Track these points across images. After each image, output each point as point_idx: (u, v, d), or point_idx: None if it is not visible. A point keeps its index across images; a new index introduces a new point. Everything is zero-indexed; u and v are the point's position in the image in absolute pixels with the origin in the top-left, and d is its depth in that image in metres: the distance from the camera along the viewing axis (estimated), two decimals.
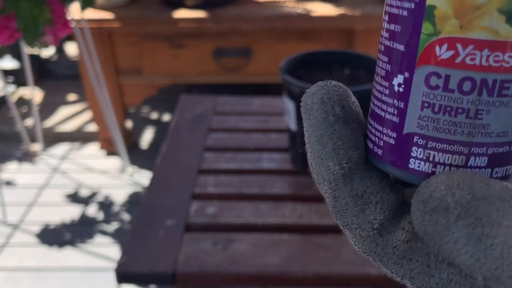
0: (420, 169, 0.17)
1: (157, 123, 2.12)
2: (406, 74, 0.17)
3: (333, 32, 1.63)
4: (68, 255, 1.41)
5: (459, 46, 0.15)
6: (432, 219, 0.16)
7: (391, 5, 0.17)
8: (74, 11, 1.46)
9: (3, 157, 1.85)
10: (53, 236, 1.48)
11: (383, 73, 0.18)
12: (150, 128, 2.07)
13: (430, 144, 0.17)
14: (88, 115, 2.07)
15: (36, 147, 1.90)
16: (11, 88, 2.28)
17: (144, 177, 1.74)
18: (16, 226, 1.51)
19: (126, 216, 1.56)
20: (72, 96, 2.25)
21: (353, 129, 0.18)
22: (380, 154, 0.18)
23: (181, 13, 1.59)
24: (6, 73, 2.23)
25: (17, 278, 1.34)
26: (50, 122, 2.06)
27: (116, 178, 1.74)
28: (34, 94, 1.96)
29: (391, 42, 0.17)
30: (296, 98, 0.80)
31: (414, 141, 0.17)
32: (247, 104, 1.15)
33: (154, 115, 2.17)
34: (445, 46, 0.16)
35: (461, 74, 0.16)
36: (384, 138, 0.18)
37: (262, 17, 1.58)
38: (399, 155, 0.18)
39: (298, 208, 0.80)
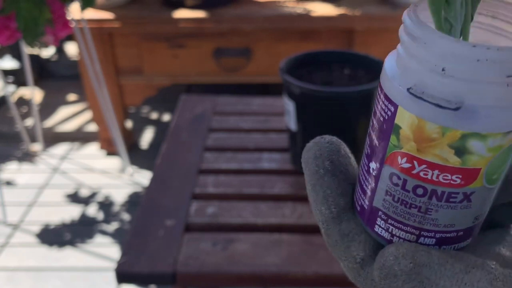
0: (382, 235, 0.21)
1: (157, 123, 2.12)
2: (378, 165, 0.20)
3: (333, 32, 1.63)
4: (68, 255, 1.41)
5: (415, 162, 0.18)
6: (385, 283, 0.20)
7: (376, 106, 0.20)
8: (74, 11, 1.46)
9: (3, 157, 1.85)
10: (53, 236, 1.48)
11: (367, 151, 0.21)
12: (150, 128, 2.07)
13: (390, 221, 0.20)
14: (88, 115, 2.07)
15: (36, 147, 1.90)
16: (11, 88, 2.28)
17: (144, 177, 1.74)
18: (16, 226, 1.51)
19: (126, 216, 1.56)
20: (72, 96, 2.25)
21: (340, 180, 0.22)
22: (358, 210, 0.22)
23: (181, 13, 1.59)
24: (6, 73, 2.23)
25: (17, 278, 1.34)
26: (50, 122, 2.06)
27: (116, 178, 1.74)
28: (34, 94, 1.96)
29: (372, 133, 0.20)
30: (296, 98, 0.80)
31: (379, 214, 0.21)
32: (247, 104, 1.15)
33: (154, 115, 2.17)
34: (405, 159, 0.19)
35: (416, 182, 0.19)
36: (361, 200, 0.22)
37: (262, 17, 1.58)
38: (369, 218, 0.21)
39: (298, 208, 0.80)
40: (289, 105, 0.82)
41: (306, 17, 1.58)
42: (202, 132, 1.03)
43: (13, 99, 2.13)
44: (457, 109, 0.16)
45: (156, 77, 1.71)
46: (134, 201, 1.62)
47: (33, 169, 1.79)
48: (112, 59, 1.66)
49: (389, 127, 0.19)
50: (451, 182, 0.18)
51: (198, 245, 0.73)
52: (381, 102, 0.19)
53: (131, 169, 1.77)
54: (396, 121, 0.18)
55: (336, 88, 0.80)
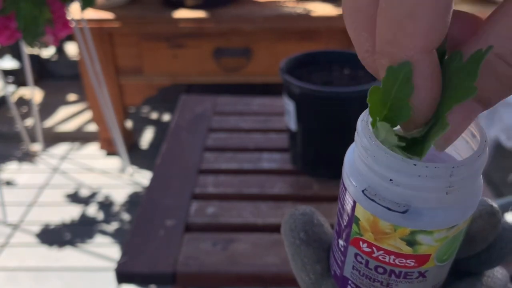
0: None
1: (157, 123, 2.12)
2: (344, 243, 0.22)
3: (333, 32, 1.63)
4: (68, 255, 1.41)
5: (374, 248, 0.21)
6: None
7: (341, 191, 0.22)
8: (74, 11, 1.46)
9: (3, 157, 1.85)
10: (53, 236, 1.48)
11: (336, 227, 0.23)
12: (150, 128, 2.07)
13: None
14: (88, 115, 2.07)
15: (36, 147, 1.90)
16: (11, 88, 2.28)
17: (144, 177, 1.74)
18: (16, 226, 1.51)
19: (126, 216, 1.56)
20: (72, 96, 2.25)
21: (314, 248, 0.25)
22: (333, 274, 0.24)
23: (181, 13, 1.59)
24: (6, 73, 2.23)
25: (17, 278, 1.34)
26: (50, 122, 2.06)
27: (116, 178, 1.74)
28: (34, 94, 1.96)
29: (339, 215, 0.23)
30: (296, 98, 0.80)
31: (349, 283, 0.23)
32: (247, 104, 1.15)
33: (154, 115, 2.17)
34: (365, 244, 0.21)
35: (376, 263, 0.21)
36: (334, 267, 0.24)
37: (262, 17, 1.58)
38: (341, 284, 0.24)
39: None
40: (289, 105, 0.82)
41: (306, 17, 1.58)
42: (202, 132, 1.03)
43: (13, 99, 2.13)
44: (405, 211, 0.19)
45: (156, 77, 1.71)
46: (134, 201, 1.62)
47: (33, 169, 1.79)
48: (112, 59, 1.66)
49: (351, 217, 0.21)
50: (406, 264, 0.20)
51: (198, 245, 0.73)
52: (343, 192, 0.22)
53: (131, 169, 1.78)
54: (356, 213, 0.21)
55: (336, 88, 0.80)
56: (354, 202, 0.20)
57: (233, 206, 0.81)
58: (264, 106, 1.13)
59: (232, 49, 1.65)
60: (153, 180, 0.87)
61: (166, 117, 2.14)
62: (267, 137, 1.00)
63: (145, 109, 2.19)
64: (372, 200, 0.19)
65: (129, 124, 1.95)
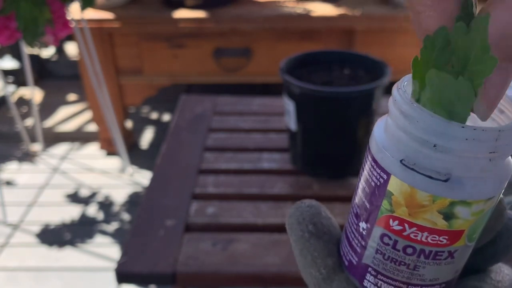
0: None
1: (157, 123, 2.12)
2: (368, 225, 0.22)
3: (333, 32, 1.63)
4: (68, 255, 1.41)
5: (406, 225, 0.20)
6: None
7: (366, 170, 0.22)
8: (74, 11, 1.46)
9: (3, 157, 1.85)
10: (53, 236, 1.48)
11: (355, 211, 0.23)
12: (150, 128, 2.07)
13: (379, 276, 0.22)
14: (88, 115, 2.07)
15: (36, 147, 1.90)
16: (11, 88, 2.28)
17: (144, 177, 1.74)
18: (16, 226, 1.51)
19: (126, 216, 1.56)
20: (72, 96, 2.25)
21: (325, 241, 0.23)
22: (347, 265, 0.23)
23: (181, 13, 1.59)
24: (6, 73, 2.23)
25: (17, 278, 1.34)
26: (50, 122, 2.06)
27: (116, 178, 1.74)
28: (34, 94, 1.96)
29: (363, 195, 0.22)
30: (296, 98, 0.80)
31: (369, 270, 0.22)
32: (247, 104, 1.15)
33: (154, 115, 2.17)
34: (396, 222, 0.20)
35: (406, 242, 0.21)
36: (349, 256, 0.23)
37: (262, 17, 1.58)
38: (358, 273, 0.23)
39: None
40: (289, 105, 0.82)
41: (306, 17, 1.58)
42: (202, 132, 1.03)
43: (13, 99, 2.13)
44: (446, 180, 0.19)
45: (156, 77, 1.71)
46: (134, 201, 1.62)
47: (33, 169, 1.79)
48: (112, 59, 1.66)
49: (382, 193, 0.20)
50: (438, 242, 0.20)
51: (198, 245, 0.73)
52: (371, 168, 0.21)
53: (131, 169, 1.78)
54: (389, 187, 0.20)
55: (336, 88, 0.80)
56: (388, 175, 0.20)
57: (233, 206, 0.81)
58: (264, 106, 1.13)
59: (232, 49, 1.65)
60: (153, 180, 0.87)
61: (166, 117, 2.14)
62: (267, 137, 1.00)
63: (145, 109, 2.19)
64: (412, 169, 0.19)
65: (129, 124, 1.95)
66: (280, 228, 0.76)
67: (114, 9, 1.61)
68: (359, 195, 0.22)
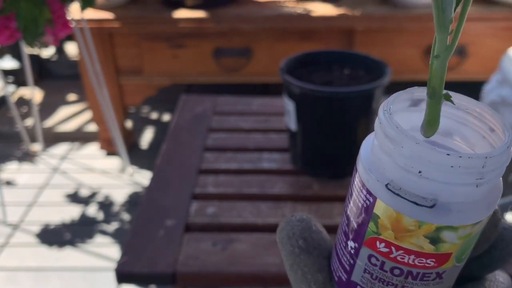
0: None
1: (157, 123, 2.12)
2: (356, 245, 0.21)
3: (333, 32, 1.63)
4: (68, 255, 1.41)
5: (393, 248, 0.20)
6: None
7: (354, 189, 0.21)
8: (74, 11, 1.46)
9: (3, 157, 1.85)
10: (53, 236, 1.48)
11: (344, 228, 0.22)
12: (150, 128, 2.07)
13: None
14: (88, 115, 2.07)
15: (36, 147, 1.90)
16: (11, 88, 2.28)
17: (144, 177, 1.74)
18: (16, 226, 1.51)
19: (126, 216, 1.56)
20: (72, 96, 2.25)
21: (315, 256, 0.23)
22: (337, 280, 0.23)
23: (181, 13, 1.59)
24: (6, 73, 2.23)
25: (17, 278, 1.34)
26: (50, 122, 2.06)
27: (116, 178, 1.74)
28: (34, 94, 1.96)
29: (351, 214, 0.21)
30: (296, 98, 0.80)
31: None
32: (247, 104, 1.15)
33: (154, 115, 2.17)
34: (383, 244, 0.20)
35: (393, 264, 0.20)
36: (339, 273, 0.23)
37: (262, 17, 1.58)
38: None
39: (298, 208, 0.80)
40: (289, 105, 0.82)
41: (306, 17, 1.58)
42: (202, 132, 1.03)
43: (13, 99, 2.13)
44: (432, 206, 0.18)
45: (156, 77, 1.71)
46: (134, 201, 1.62)
47: (33, 169, 1.79)
48: (112, 59, 1.66)
49: (368, 215, 0.20)
50: (426, 264, 0.20)
51: (198, 245, 0.73)
52: (358, 189, 0.21)
53: (131, 169, 1.78)
54: (375, 210, 0.20)
55: (336, 88, 0.80)
56: (374, 198, 0.19)
57: (233, 206, 0.81)
58: (264, 106, 1.13)
59: (232, 49, 1.65)
60: (153, 180, 0.87)
61: (166, 117, 2.14)
62: (267, 137, 1.00)
63: (145, 109, 2.19)
64: (397, 194, 0.19)
65: (129, 124, 1.95)
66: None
67: (114, 9, 1.61)
68: (347, 214, 0.22)
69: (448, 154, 0.17)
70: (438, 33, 0.19)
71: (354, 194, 0.21)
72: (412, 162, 0.18)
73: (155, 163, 0.93)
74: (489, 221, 0.21)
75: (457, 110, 0.21)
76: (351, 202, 0.21)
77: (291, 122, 0.84)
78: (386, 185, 0.19)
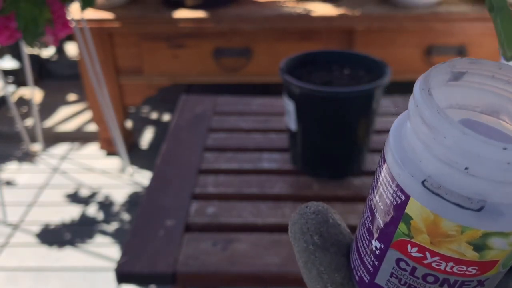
0: None
1: (157, 123, 2.12)
2: (382, 246, 0.18)
3: (333, 32, 1.63)
4: (68, 255, 1.41)
5: (427, 253, 0.17)
6: None
7: (381, 182, 0.18)
8: (74, 11, 1.45)
9: (3, 157, 1.85)
10: (53, 236, 1.48)
11: (367, 224, 0.19)
12: (150, 128, 2.07)
13: None
14: (88, 115, 2.07)
15: (36, 147, 1.90)
16: (11, 88, 2.28)
17: (144, 177, 1.74)
18: (16, 226, 1.51)
19: (126, 216, 1.56)
20: (72, 96, 2.25)
21: (332, 254, 0.20)
22: (357, 280, 0.20)
23: (181, 13, 1.59)
24: (6, 73, 2.23)
25: (17, 278, 1.34)
26: (50, 122, 2.06)
27: (116, 178, 1.74)
28: (34, 94, 1.96)
29: (376, 210, 0.18)
30: (296, 98, 0.80)
31: None
32: (247, 104, 1.15)
33: (154, 115, 2.17)
34: (415, 248, 0.17)
35: (427, 271, 0.17)
36: (361, 272, 0.20)
37: (262, 17, 1.58)
38: None
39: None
40: (289, 105, 0.82)
41: (306, 17, 1.58)
42: (202, 132, 1.03)
43: (13, 99, 2.13)
44: (480, 209, 0.15)
45: (156, 77, 1.71)
46: (134, 201, 1.62)
47: (33, 169, 1.79)
48: (112, 59, 1.66)
49: (399, 215, 0.17)
50: (466, 272, 0.17)
51: (198, 245, 0.73)
52: (386, 183, 0.17)
53: (131, 169, 1.77)
54: (407, 210, 0.16)
55: (336, 88, 0.80)
56: (407, 197, 0.16)
57: (233, 206, 0.81)
58: (264, 106, 1.13)
59: (232, 49, 1.65)
60: (153, 180, 0.87)
61: (166, 117, 2.14)
62: (267, 137, 1.00)
63: (145, 109, 2.19)
64: (436, 194, 0.15)
65: (129, 124, 1.95)
66: (280, 228, 0.76)
67: (114, 9, 1.61)
68: (372, 208, 0.19)
69: (505, 148, 0.14)
70: None
71: (381, 188, 0.18)
72: (457, 156, 0.15)
73: (155, 163, 0.93)
74: None
75: (508, 84, 0.18)
76: (377, 196, 0.18)
77: (291, 122, 0.84)
78: (423, 182, 0.16)
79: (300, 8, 1.62)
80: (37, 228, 1.51)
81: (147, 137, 2.01)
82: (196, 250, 0.72)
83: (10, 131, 1.99)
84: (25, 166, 1.81)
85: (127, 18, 1.59)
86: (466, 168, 0.15)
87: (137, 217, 0.79)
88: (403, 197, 0.16)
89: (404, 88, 1.59)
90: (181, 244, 0.73)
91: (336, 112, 0.80)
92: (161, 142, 1.69)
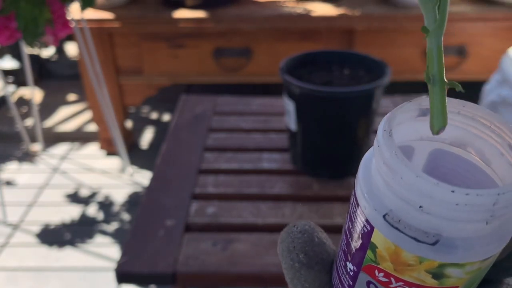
0: None
1: (157, 123, 2.12)
2: (355, 268, 0.19)
3: (333, 32, 1.63)
4: (68, 255, 1.41)
5: (392, 279, 0.18)
6: None
7: (352, 210, 0.19)
8: (74, 11, 1.45)
9: (3, 157, 1.85)
10: (53, 236, 1.48)
11: (343, 247, 0.21)
12: (150, 128, 2.07)
13: None
14: (88, 115, 2.07)
15: (36, 147, 1.90)
16: (11, 88, 2.28)
17: (144, 177, 1.74)
18: (16, 226, 1.51)
19: (126, 216, 1.56)
20: (72, 96, 2.25)
21: (316, 272, 0.22)
22: None
23: (181, 13, 1.59)
24: (6, 73, 2.23)
25: (17, 278, 1.34)
26: (50, 122, 2.06)
27: (116, 178, 1.74)
28: (34, 94, 1.96)
29: (349, 234, 0.20)
30: (296, 98, 0.80)
31: None
32: (247, 104, 1.15)
33: (154, 115, 2.17)
34: (382, 274, 0.18)
35: None
36: (339, 287, 0.21)
37: (262, 17, 1.58)
38: None
39: (298, 208, 0.80)
40: (289, 105, 0.82)
41: (306, 17, 1.58)
42: (202, 132, 1.03)
43: (13, 99, 2.13)
44: (435, 243, 0.16)
45: (156, 77, 1.71)
46: (134, 201, 1.62)
47: (33, 169, 1.79)
48: (112, 59, 1.66)
49: (366, 242, 0.18)
50: None
51: (198, 245, 0.73)
52: (356, 212, 0.19)
53: (131, 169, 1.77)
54: (373, 239, 0.18)
55: (336, 88, 0.80)
56: (372, 228, 0.18)
57: (233, 206, 0.81)
58: (264, 106, 1.13)
59: (232, 49, 1.65)
60: (153, 180, 0.87)
61: (166, 117, 2.14)
62: (267, 137, 1.00)
63: (145, 109, 2.19)
64: (396, 228, 0.17)
65: (129, 124, 1.95)
66: (280, 228, 0.76)
67: (114, 9, 1.61)
68: (346, 232, 0.20)
69: (453, 191, 0.15)
70: (422, 5, 0.17)
71: (352, 215, 0.19)
72: (412, 196, 0.16)
73: (155, 163, 0.93)
74: None
75: (473, 120, 0.19)
76: (349, 223, 0.20)
77: (291, 122, 0.84)
78: (384, 216, 0.17)
79: (300, 8, 1.62)
80: (37, 228, 1.51)
81: (147, 137, 2.01)
82: (196, 250, 0.72)
83: (10, 131, 1.99)
84: (25, 166, 1.81)
85: (127, 18, 1.59)
86: (420, 207, 0.16)
87: (137, 217, 0.79)
88: (369, 227, 0.18)
89: (404, 88, 1.59)
90: (181, 244, 0.73)
91: (336, 112, 0.80)
92: (161, 142, 1.69)
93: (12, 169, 1.79)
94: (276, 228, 0.76)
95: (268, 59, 1.65)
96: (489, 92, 1.34)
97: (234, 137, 1.01)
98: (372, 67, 0.84)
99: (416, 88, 1.44)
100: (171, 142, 0.99)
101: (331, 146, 0.84)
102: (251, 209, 0.80)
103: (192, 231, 0.76)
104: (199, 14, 1.58)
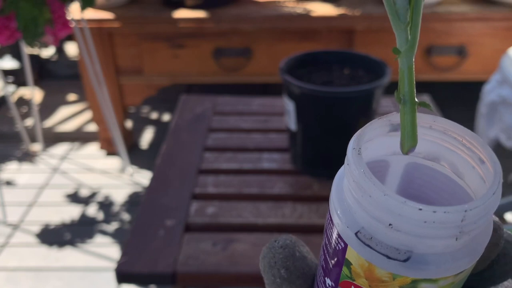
0: None
1: (157, 123, 2.12)
2: (333, 284, 0.20)
3: (333, 32, 1.63)
4: (68, 255, 1.41)
5: None
6: None
7: (328, 226, 0.19)
8: (74, 11, 1.45)
9: (3, 157, 1.85)
10: (53, 236, 1.48)
11: (321, 262, 0.21)
12: (150, 128, 2.07)
13: None
14: (88, 115, 2.07)
15: (36, 147, 1.90)
16: (11, 88, 2.28)
17: (144, 177, 1.74)
18: (16, 226, 1.51)
19: (126, 216, 1.56)
20: (72, 96, 2.25)
21: (298, 286, 0.22)
22: None
23: (181, 13, 1.59)
24: (6, 73, 2.23)
25: (17, 278, 1.34)
26: (50, 122, 2.06)
27: (116, 178, 1.74)
28: (34, 94, 1.96)
29: (326, 252, 0.20)
30: (296, 98, 0.80)
31: None
32: (247, 104, 1.15)
33: (154, 115, 2.17)
34: None
35: None
36: None
37: (262, 17, 1.58)
38: None
39: (298, 208, 0.80)
40: (289, 105, 0.82)
41: (306, 17, 1.58)
42: (202, 132, 1.03)
43: (13, 99, 2.13)
44: (406, 259, 0.16)
45: (156, 77, 1.71)
46: (134, 201, 1.62)
47: (33, 169, 1.79)
48: (112, 59, 1.66)
49: (341, 259, 0.18)
50: None
51: (198, 245, 0.73)
52: (331, 229, 0.19)
53: (131, 169, 1.77)
54: (347, 256, 0.18)
55: (336, 88, 0.80)
56: (345, 245, 0.18)
57: (233, 206, 0.81)
58: (264, 106, 1.13)
59: (232, 49, 1.65)
60: (153, 180, 0.87)
61: (166, 117, 2.14)
62: (267, 137, 1.00)
63: (145, 109, 2.19)
64: (368, 245, 0.17)
65: (129, 124, 1.95)
66: (280, 228, 0.76)
67: (114, 9, 1.61)
68: (323, 248, 0.20)
69: (420, 209, 0.15)
70: (394, 25, 0.18)
71: (328, 232, 0.19)
72: (382, 214, 0.16)
73: (155, 163, 0.93)
74: (491, 239, 0.19)
75: (444, 135, 0.19)
76: (326, 239, 0.20)
77: (291, 122, 0.84)
78: (356, 233, 0.17)
79: (300, 8, 1.62)
80: (37, 228, 1.51)
81: (147, 137, 2.01)
82: (196, 250, 0.72)
83: (10, 131, 1.99)
84: (25, 166, 1.81)
85: (127, 18, 1.59)
86: (390, 224, 0.16)
87: (137, 217, 0.79)
88: (342, 244, 0.18)
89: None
90: (181, 244, 0.73)
91: (336, 112, 0.80)
92: (161, 142, 1.69)
93: (12, 169, 1.79)
94: (276, 228, 0.76)
95: (268, 59, 1.65)
96: (489, 92, 1.34)
97: (234, 137, 1.01)
98: (372, 67, 0.84)
99: (416, 88, 1.44)
100: (171, 142, 0.99)
101: (331, 146, 0.84)
102: (251, 209, 0.80)
103: (192, 231, 0.76)
104: (199, 14, 1.58)
